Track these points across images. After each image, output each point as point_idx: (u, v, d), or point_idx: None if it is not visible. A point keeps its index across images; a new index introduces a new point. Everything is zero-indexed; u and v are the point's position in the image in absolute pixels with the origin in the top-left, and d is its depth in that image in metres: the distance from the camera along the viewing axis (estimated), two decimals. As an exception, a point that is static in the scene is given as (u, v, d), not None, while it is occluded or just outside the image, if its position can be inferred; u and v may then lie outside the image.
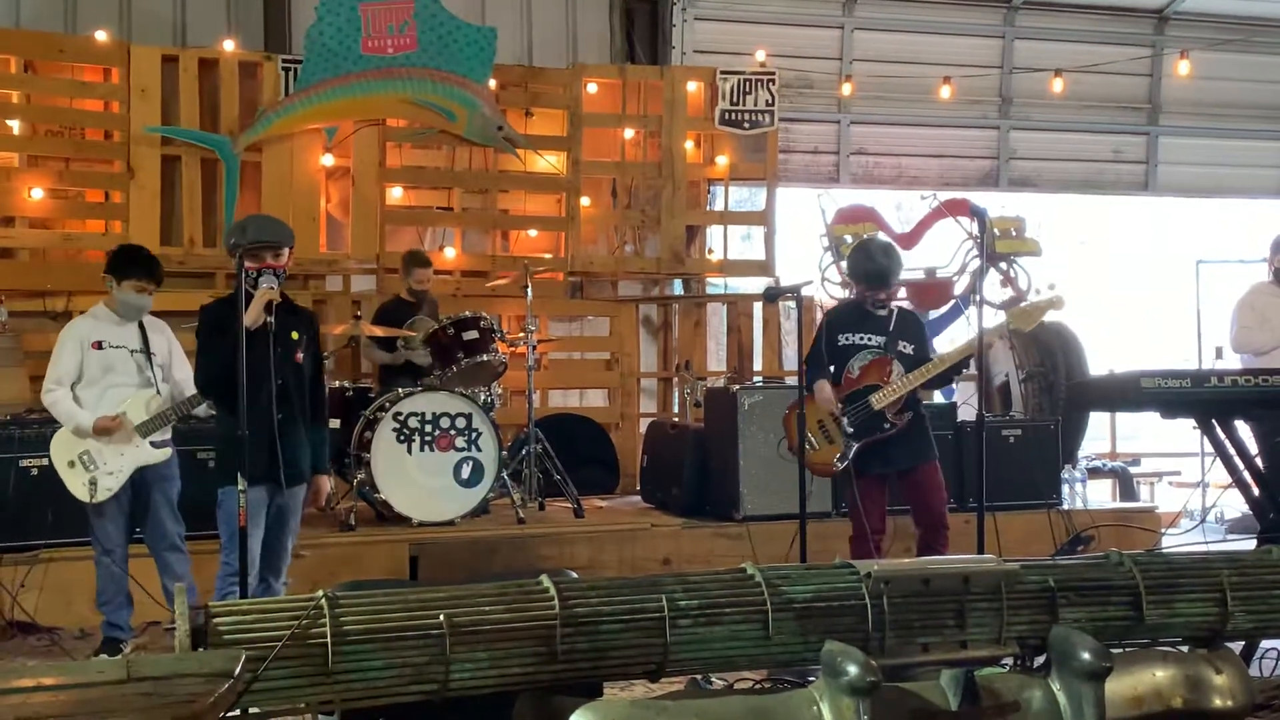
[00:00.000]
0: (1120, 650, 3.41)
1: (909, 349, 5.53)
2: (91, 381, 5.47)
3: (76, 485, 5.44)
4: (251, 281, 4.80)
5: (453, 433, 6.99)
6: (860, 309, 5.67)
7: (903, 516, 5.82)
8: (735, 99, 9.65)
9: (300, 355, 4.98)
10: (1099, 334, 9.50)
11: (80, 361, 5.47)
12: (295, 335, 4.97)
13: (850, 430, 5.48)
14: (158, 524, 5.53)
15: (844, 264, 9.09)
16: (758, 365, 9.67)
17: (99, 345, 5.47)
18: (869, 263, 5.61)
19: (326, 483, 5.22)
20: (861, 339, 5.57)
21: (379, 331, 7.54)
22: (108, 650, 5.46)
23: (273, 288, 4.83)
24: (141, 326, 5.59)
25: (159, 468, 5.54)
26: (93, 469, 5.42)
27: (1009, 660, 3.43)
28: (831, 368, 5.59)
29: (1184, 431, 5.68)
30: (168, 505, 5.56)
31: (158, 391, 5.53)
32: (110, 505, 5.46)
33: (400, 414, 6.91)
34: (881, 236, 8.98)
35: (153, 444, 5.50)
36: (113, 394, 5.46)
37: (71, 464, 5.44)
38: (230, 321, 4.67)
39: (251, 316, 4.71)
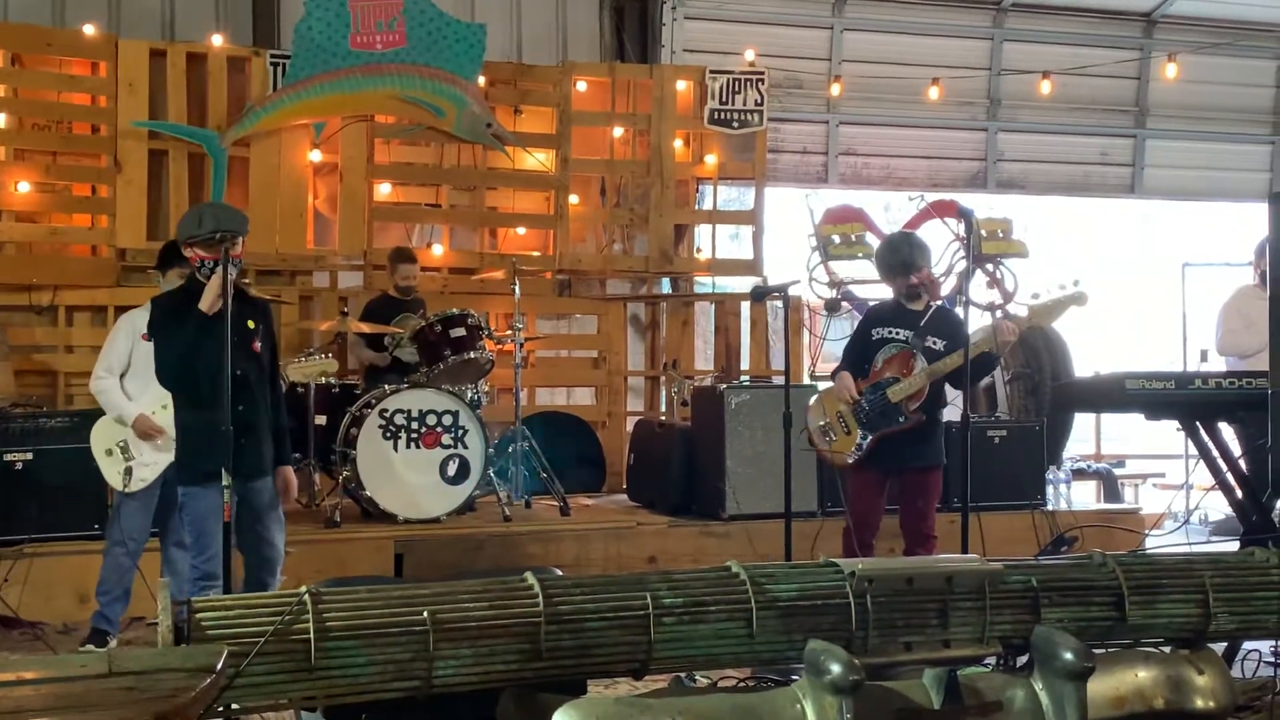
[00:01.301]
0: (1103, 651, 3.43)
1: (939, 345, 5.46)
2: (138, 373, 5.49)
3: (111, 473, 5.50)
4: (207, 272, 4.64)
5: (439, 430, 6.98)
6: (898, 306, 5.68)
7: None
8: (724, 98, 9.64)
9: (257, 344, 4.83)
10: (1084, 335, 9.51)
11: (130, 352, 5.52)
12: (251, 324, 4.81)
13: (865, 421, 5.47)
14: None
15: (832, 264, 9.11)
16: (745, 364, 9.67)
17: (149, 337, 5.47)
18: (894, 254, 5.65)
19: (293, 474, 5.03)
20: (891, 333, 5.57)
21: (366, 328, 7.53)
22: (95, 641, 5.48)
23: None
24: None
25: None
26: (129, 459, 5.48)
27: (992, 660, 3.45)
28: (865, 364, 5.59)
29: (1168, 434, 5.69)
30: None
31: None
32: (141, 495, 5.52)
33: (386, 411, 6.90)
34: (870, 238, 9.02)
35: None
36: (156, 387, 5.38)
37: (109, 452, 5.50)
38: (186, 310, 4.59)
39: (208, 301, 4.55)
